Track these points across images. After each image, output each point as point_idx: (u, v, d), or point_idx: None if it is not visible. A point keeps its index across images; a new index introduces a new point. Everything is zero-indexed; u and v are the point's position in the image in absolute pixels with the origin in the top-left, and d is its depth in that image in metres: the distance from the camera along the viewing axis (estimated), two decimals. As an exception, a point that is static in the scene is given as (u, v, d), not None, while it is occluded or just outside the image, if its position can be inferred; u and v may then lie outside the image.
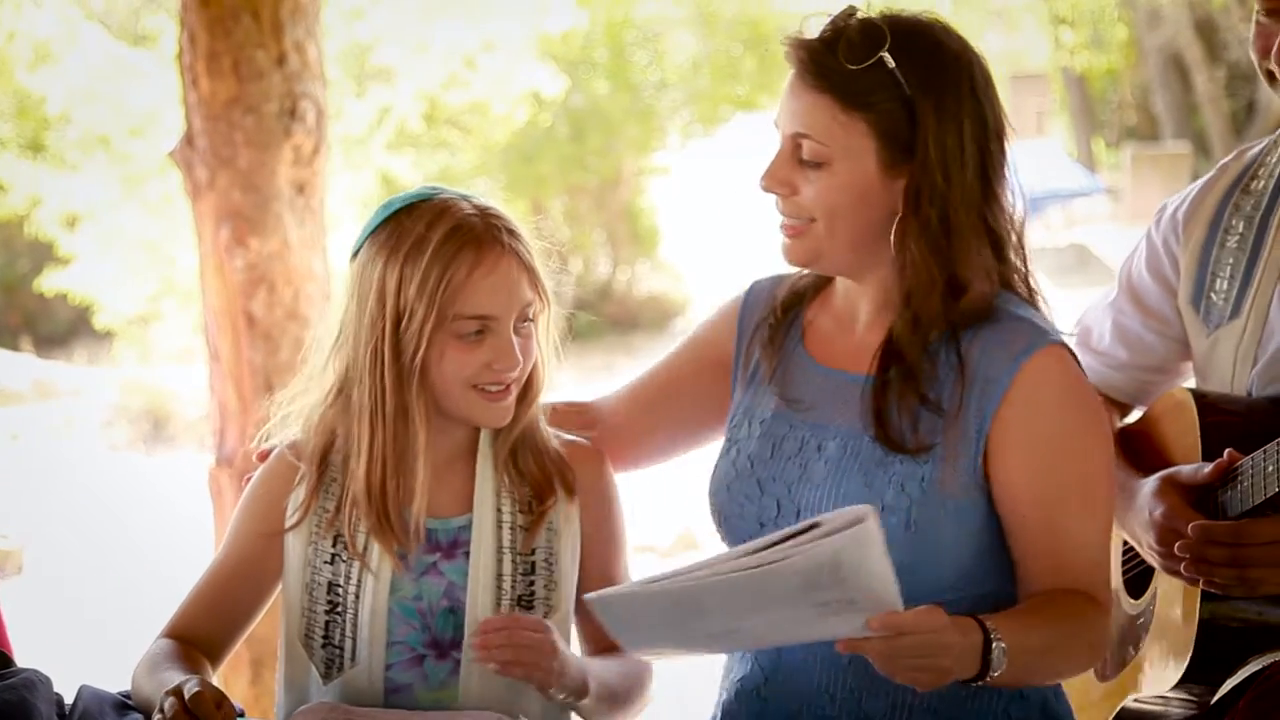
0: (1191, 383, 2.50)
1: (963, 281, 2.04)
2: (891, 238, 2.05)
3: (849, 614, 1.85)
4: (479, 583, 2.24)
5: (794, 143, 2.07)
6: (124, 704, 2.27)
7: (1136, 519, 2.28)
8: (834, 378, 2.14)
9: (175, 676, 2.16)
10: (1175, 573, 2.21)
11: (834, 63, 2.02)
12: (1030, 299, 2.12)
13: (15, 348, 16.41)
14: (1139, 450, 2.43)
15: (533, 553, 2.26)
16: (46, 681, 2.23)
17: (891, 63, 2.00)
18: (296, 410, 2.34)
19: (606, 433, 2.35)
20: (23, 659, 2.36)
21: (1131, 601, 2.43)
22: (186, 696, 2.07)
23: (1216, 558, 2.15)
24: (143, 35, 15.13)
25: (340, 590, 2.26)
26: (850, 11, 2.06)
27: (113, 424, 14.54)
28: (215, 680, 2.30)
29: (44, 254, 15.41)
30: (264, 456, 2.36)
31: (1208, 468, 2.22)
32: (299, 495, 2.28)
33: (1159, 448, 2.40)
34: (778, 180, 2.09)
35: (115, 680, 2.42)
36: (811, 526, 1.82)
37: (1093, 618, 2.01)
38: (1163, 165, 19.86)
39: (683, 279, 18.76)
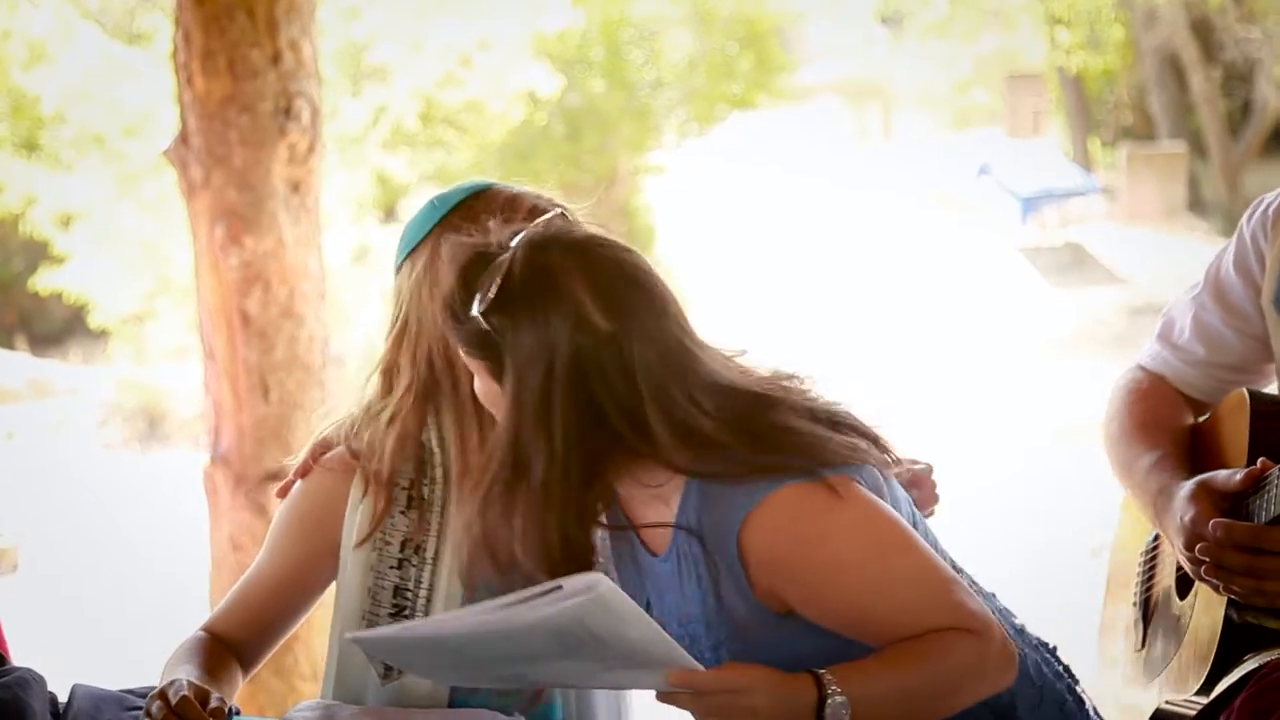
0: (1274, 386, 2.44)
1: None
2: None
3: (644, 670, 1.85)
4: None
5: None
6: (121, 700, 2.26)
7: (1170, 522, 2.25)
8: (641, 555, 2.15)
9: (187, 673, 2.16)
10: (1200, 578, 2.19)
11: (458, 307, 2.04)
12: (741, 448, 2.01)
13: (10, 346, 16.39)
14: (1201, 449, 2.40)
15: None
16: (40, 680, 2.22)
17: (485, 323, 2.00)
18: (349, 419, 2.33)
19: None
20: (17, 657, 2.36)
21: (1178, 602, 2.41)
22: (173, 701, 2.07)
23: (1234, 564, 2.12)
24: (137, 34, 15.11)
25: (409, 595, 2.26)
26: (514, 239, 2.04)
27: (108, 422, 14.54)
28: (238, 682, 2.30)
29: (39, 253, 15.38)
30: (307, 469, 2.36)
31: (1240, 474, 2.19)
32: (364, 508, 2.28)
33: (1216, 449, 2.37)
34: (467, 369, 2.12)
35: (110, 678, 2.41)
36: (555, 588, 1.83)
37: (962, 647, 1.95)
38: (1159, 165, 19.84)
39: (679, 278, 18.76)
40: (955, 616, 1.96)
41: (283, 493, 2.37)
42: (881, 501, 2.04)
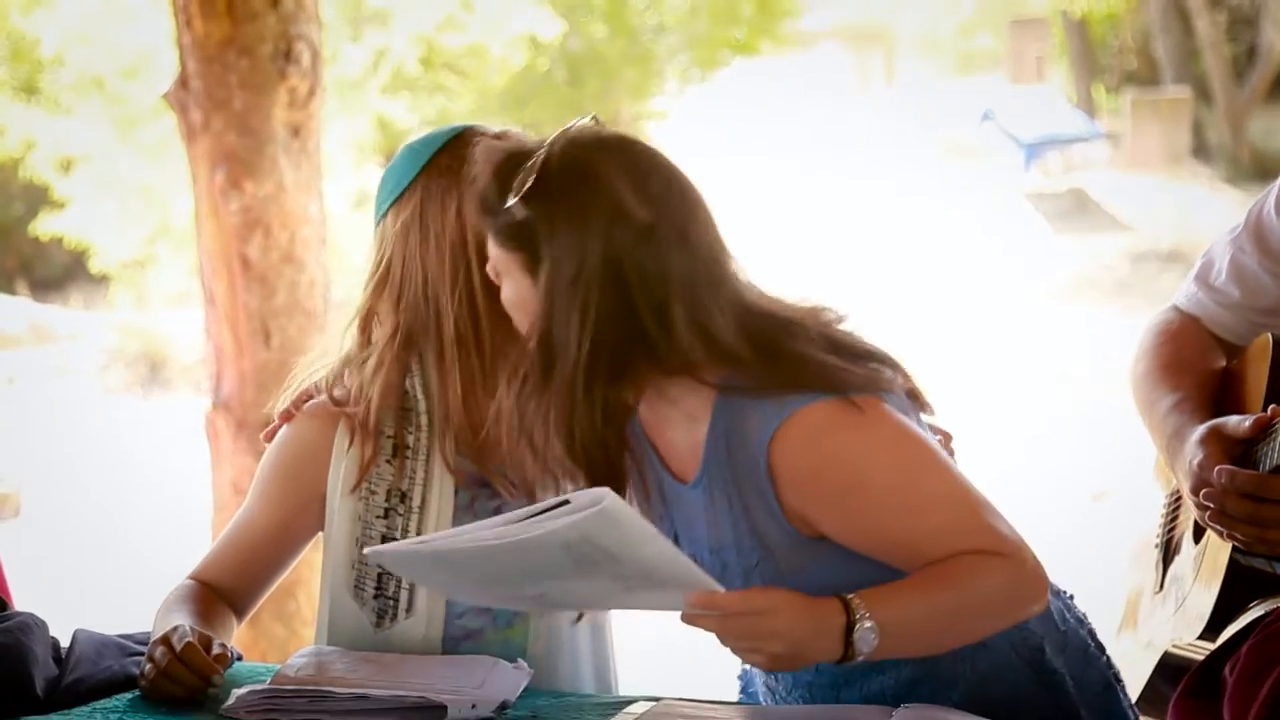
0: None
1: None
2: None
3: (665, 591, 1.84)
4: None
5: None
6: (123, 646, 2.26)
7: (1180, 465, 2.24)
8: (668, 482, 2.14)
9: (182, 620, 2.16)
10: (1206, 523, 2.19)
11: (493, 201, 2.03)
12: (769, 365, 2.01)
13: (11, 291, 16.37)
14: (1227, 392, 2.38)
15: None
16: (42, 625, 2.22)
17: (522, 214, 1.99)
18: (329, 366, 2.33)
19: None
20: (19, 602, 2.36)
21: (1193, 546, 2.40)
22: (178, 648, 2.07)
23: (1237, 512, 2.11)
24: (137, -24, 15.01)
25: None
26: (560, 136, 2.02)
27: (109, 367, 14.54)
28: (233, 628, 2.30)
29: (39, 197, 15.34)
30: (288, 417, 2.35)
31: (1249, 420, 2.17)
32: (351, 457, 2.27)
33: (1240, 393, 2.36)
34: (492, 274, 2.11)
35: (111, 623, 2.42)
36: (563, 503, 1.82)
37: (993, 570, 1.93)
38: (1163, 110, 19.76)
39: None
40: (986, 539, 1.94)
41: (269, 436, 2.37)
42: (912, 423, 2.03)
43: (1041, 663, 2.11)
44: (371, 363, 2.28)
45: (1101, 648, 2.20)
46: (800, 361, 2.00)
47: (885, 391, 2.02)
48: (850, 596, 1.87)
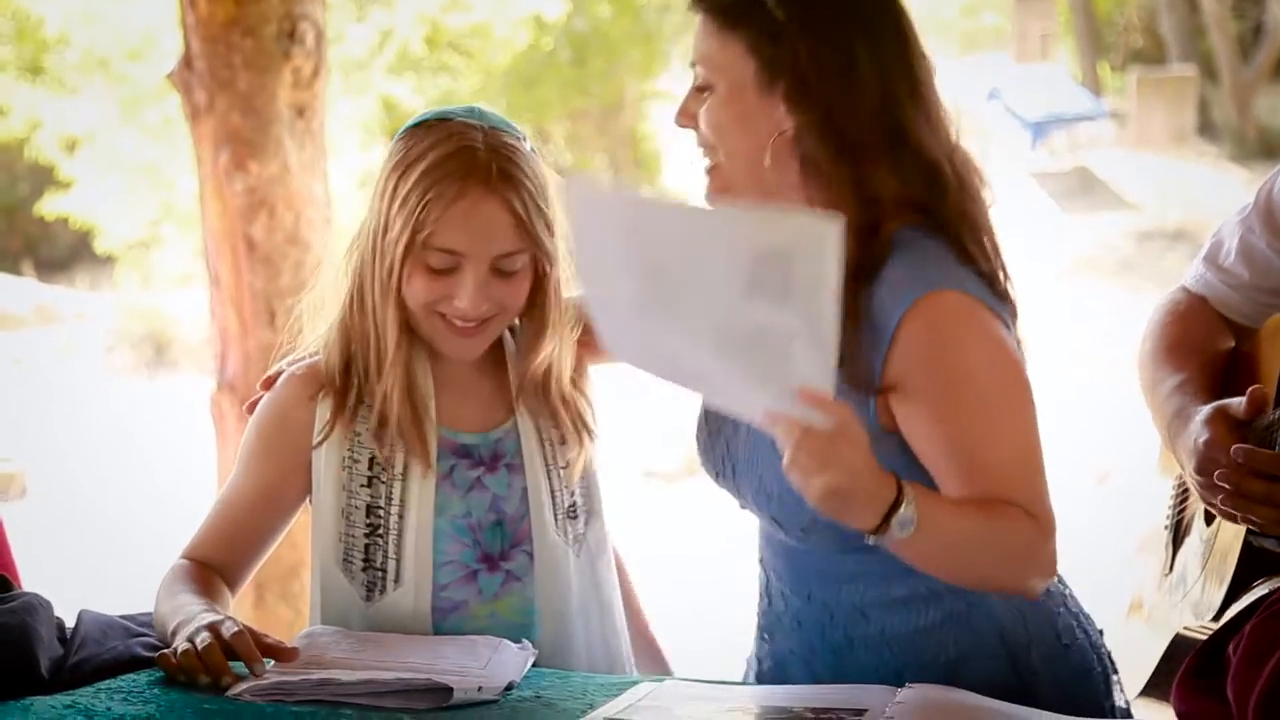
0: None
1: (853, 217, 1.99)
2: (768, 161, 2.03)
3: (779, 369, 1.76)
4: (540, 488, 2.28)
5: (694, 72, 2.09)
6: (129, 627, 2.26)
7: (1184, 445, 2.23)
8: None
9: (190, 600, 2.16)
10: (1213, 505, 2.18)
11: None
12: (957, 240, 2.05)
13: (17, 272, 16.37)
14: (1239, 373, 2.37)
15: (566, 465, 2.31)
16: (47, 605, 2.22)
17: None
18: (314, 329, 2.34)
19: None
20: (25, 582, 2.36)
21: (1205, 528, 2.39)
22: (226, 636, 2.04)
23: (1254, 492, 2.09)
24: (140, -44, 14.99)
25: (381, 512, 2.26)
26: None
27: (114, 348, 14.55)
28: (230, 604, 2.30)
29: (44, 178, 15.35)
30: (270, 383, 2.35)
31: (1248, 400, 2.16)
32: (322, 414, 2.27)
33: (1253, 374, 2.34)
34: (682, 112, 2.10)
35: (117, 603, 2.42)
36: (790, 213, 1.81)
37: (1024, 527, 1.94)
38: (1168, 88, 19.70)
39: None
40: (1031, 498, 1.96)
41: (251, 408, 2.37)
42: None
43: (1025, 660, 2.11)
44: (330, 317, 2.29)
45: (1109, 681, 2.19)
46: (977, 239, 2.05)
47: (1013, 321, 2.05)
48: (905, 483, 1.86)
